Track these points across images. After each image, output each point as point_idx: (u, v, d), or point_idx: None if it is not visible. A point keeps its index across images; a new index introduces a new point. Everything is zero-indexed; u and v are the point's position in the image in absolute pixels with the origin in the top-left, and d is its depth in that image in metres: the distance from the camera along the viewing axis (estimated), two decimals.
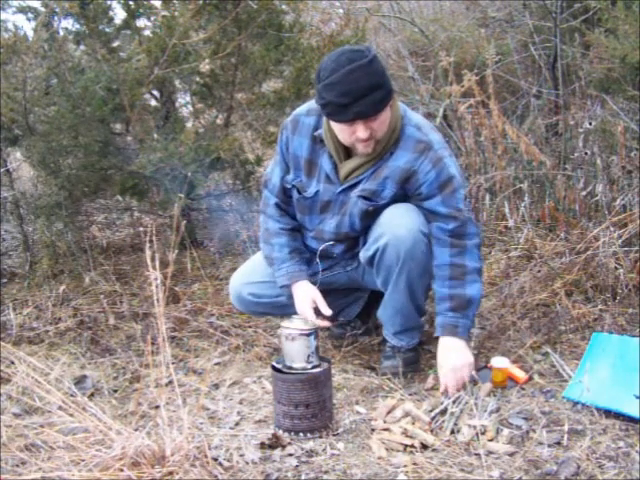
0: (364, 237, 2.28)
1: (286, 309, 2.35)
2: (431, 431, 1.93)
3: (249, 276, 2.48)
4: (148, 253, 1.73)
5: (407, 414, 2.00)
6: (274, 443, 1.90)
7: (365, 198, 2.20)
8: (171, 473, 1.65)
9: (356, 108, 1.98)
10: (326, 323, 2.28)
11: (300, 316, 2.06)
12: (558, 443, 1.84)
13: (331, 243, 2.30)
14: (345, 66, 1.97)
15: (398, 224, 2.14)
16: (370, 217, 2.22)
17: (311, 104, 2.26)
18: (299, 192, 2.31)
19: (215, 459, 1.78)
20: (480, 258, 2.22)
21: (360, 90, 1.97)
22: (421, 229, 2.15)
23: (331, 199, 2.27)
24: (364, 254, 2.25)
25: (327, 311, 2.25)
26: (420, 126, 2.19)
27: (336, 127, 2.10)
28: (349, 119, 2.02)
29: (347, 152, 2.20)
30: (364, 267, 2.36)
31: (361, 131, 2.03)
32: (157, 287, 1.74)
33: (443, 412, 2.01)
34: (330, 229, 2.31)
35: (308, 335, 1.97)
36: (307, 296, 2.28)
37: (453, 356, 2.16)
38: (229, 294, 2.56)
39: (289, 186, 2.34)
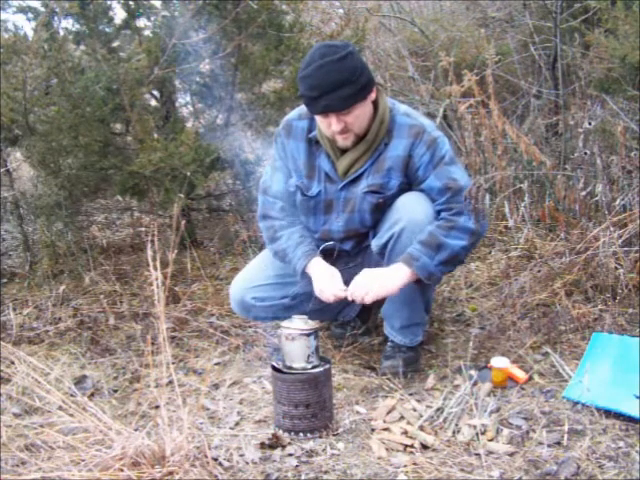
0: (374, 230, 2.30)
1: (290, 311, 2.31)
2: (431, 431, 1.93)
3: (251, 280, 2.45)
4: (149, 253, 1.73)
5: (402, 416, 2.01)
6: (274, 443, 1.90)
7: (373, 192, 2.23)
8: (171, 473, 1.65)
9: (324, 102, 2.06)
10: (344, 294, 2.22)
11: (300, 316, 2.06)
12: (558, 443, 1.84)
13: (332, 243, 2.31)
14: (317, 61, 2.06)
15: (414, 210, 2.17)
16: (380, 210, 2.25)
17: (301, 109, 2.32)
18: (303, 193, 2.32)
19: (215, 459, 1.78)
20: (476, 223, 2.19)
21: (328, 85, 2.04)
22: (434, 214, 2.19)
23: (333, 197, 2.29)
24: (377, 242, 2.25)
25: (341, 285, 2.23)
26: (409, 113, 2.26)
27: (317, 119, 2.19)
28: (319, 112, 2.11)
29: (342, 149, 2.23)
30: (369, 262, 2.36)
31: (334, 124, 2.11)
32: (157, 287, 1.74)
33: (441, 412, 2.01)
34: (338, 228, 2.32)
35: (308, 335, 1.98)
36: (325, 272, 2.25)
37: (382, 276, 2.13)
38: (230, 300, 2.52)
39: (292, 188, 2.35)
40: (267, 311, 2.45)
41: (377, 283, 2.13)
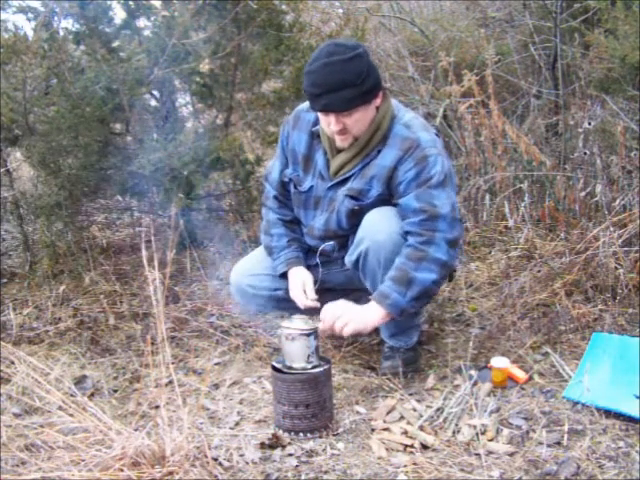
0: (353, 237, 2.27)
1: (285, 303, 2.37)
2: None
3: (248, 269, 2.50)
4: (145, 254, 1.73)
5: (402, 416, 2.01)
6: (274, 443, 1.90)
7: (352, 197, 2.22)
8: (171, 473, 1.65)
9: (324, 100, 2.05)
10: (314, 304, 2.25)
11: (300, 316, 2.06)
12: (558, 443, 1.84)
13: (330, 243, 2.31)
14: (323, 58, 2.04)
15: (377, 229, 2.14)
16: (356, 216, 2.22)
17: None
18: (295, 186, 2.35)
19: (215, 459, 1.78)
20: (448, 253, 2.09)
21: (330, 84, 2.03)
22: (401, 233, 2.13)
23: (321, 195, 2.30)
24: (348, 258, 2.26)
25: (312, 295, 2.26)
26: (409, 125, 2.18)
27: (318, 115, 2.18)
28: (319, 109, 2.11)
29: (337, 149, 2.23)
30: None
31: (333, 123, 2.10)
32: (156, 287, 1.74)
33: (441, 412, 2.01)
34: (319, 226, 2.33)
35: (308, 335, 1.98)
36: (299, 280, 2.31)
37: (359, 313, 2.09)
38: (230, 287, 2.57)
39: (287, 179, 2.38)
40: (262, 300, 2.49)
41: (355, 319, 2.08)
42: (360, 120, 2.11)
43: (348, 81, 2.02)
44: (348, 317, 2.08)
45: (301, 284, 2.29)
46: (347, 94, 2.03)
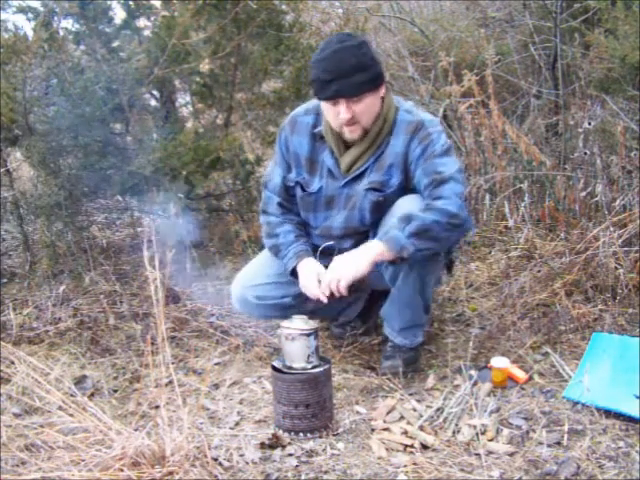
0: (373, 231, 2.28)
1: (291, 310, 2.29)
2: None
3: (252, 279, 2.45)
4: (145, 254, 1.73)
5: (402, 416, 2.01)
6: (274, 443, 1.90)
7: (374, 190, 2.23)
8: (171, 473, 1.65)
9: (336, 86, 2.07)
10: (323, 297, 2.21)
11: (300, 316, 2.05)
12: (558, 443, 1.84)
13: (332, 243, 2.30)
14: (334, 45, 2.09)
15: (407, 210, 2.14)
16: (380, 209, 2.23)
17: (308, 104, 2.34)
18: (303, 189, 2.33)
19: (215, 459, 1.78)
20: (457, 204, 2.08)
21: (343, 68, 2.06)
22: None
23: (335, 194, 2.29)
24: None
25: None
26: (410, 110, 2.25)
27: (324, 109, 2.18)
28: (330, 96, 2.10)
29: (346, 145, 2.24)
30: None
31: (343, 111, 2.10)
32: (156, 287, 1.74)
33: (441, 412, 2.02)
34: (338, 225, 2.32)
35: (308, 335, 1.97)
36: (311, 270, 2.24)
37: (352, 257, 2.09)
38: (231, 297, 2.52)
39: (292, 184, 2.36)
40: (268, 309, 2.45)
41: (347, 266, 2.08)
42: (369, 108, 2.13)
43: (360, 65, 2.06)
44: (339, 273, 2.08)
45: (314, 274, 2.21)
46: (358, 78, 2.07)
